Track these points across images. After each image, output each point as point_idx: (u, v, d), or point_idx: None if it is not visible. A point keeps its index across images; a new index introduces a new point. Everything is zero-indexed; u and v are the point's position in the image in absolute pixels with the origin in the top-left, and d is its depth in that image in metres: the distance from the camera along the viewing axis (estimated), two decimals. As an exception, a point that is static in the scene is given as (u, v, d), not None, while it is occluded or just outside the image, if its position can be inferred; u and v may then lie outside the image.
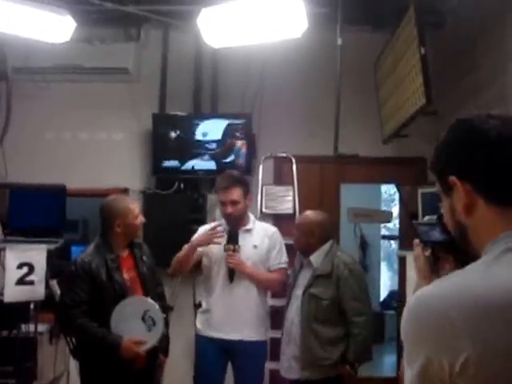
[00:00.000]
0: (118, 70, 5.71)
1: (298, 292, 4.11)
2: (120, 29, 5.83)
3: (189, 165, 5.66)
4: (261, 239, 4.22)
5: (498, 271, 1.13)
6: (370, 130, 5.44)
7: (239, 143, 5.58)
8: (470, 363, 1.06)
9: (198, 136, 5.65)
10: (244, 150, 5.57)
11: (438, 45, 4.77)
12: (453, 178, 1.24)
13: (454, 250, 1.79)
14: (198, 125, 5.65)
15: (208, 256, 4.19)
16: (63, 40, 4.52)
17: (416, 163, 5.35)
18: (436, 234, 1.92)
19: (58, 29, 4.41)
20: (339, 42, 4.58)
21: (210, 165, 5.63)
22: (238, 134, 5.58)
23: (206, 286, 4.24)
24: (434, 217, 2.16)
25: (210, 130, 5.64)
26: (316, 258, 4.08)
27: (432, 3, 4.83)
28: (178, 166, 5.68)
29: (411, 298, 1.18)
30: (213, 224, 4.29)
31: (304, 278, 4.12)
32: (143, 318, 3.61)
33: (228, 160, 5.59)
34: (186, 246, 4.14)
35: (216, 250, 4.16)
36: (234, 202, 4.10)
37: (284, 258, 4.29)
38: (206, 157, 5.62)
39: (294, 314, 4.11)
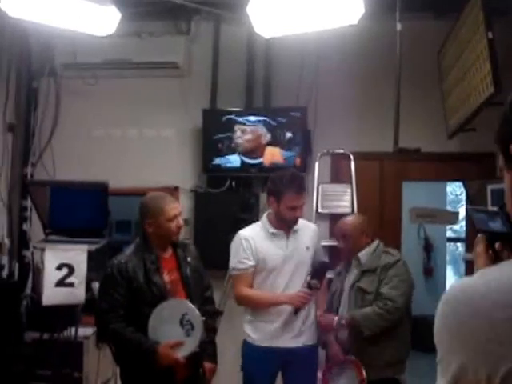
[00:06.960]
0: (168, 65, 5.55)
1: (346, 290, 4.05)
2: (170, 22, 5.66)
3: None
4: (309, 239, 4.00)
5: None
6: (432, 124, 5.12)
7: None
8: None
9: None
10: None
11: (505, 33, 4.42)
12: None
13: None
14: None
15: (265, 263, 3.89)
16: (108, 32, 4.34)
17: (484, 159, 4.97)
18: (496, 224, 1.65)
19: (102, 20, 4.25)
20: (398, 27, 4.25)
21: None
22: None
23: None
24: None
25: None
26: (364, 255, 4.06)
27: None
28: (229, 163, 5.44)
29: (449, 289, 0.92)
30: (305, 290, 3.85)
31: (352, 275, 4.07)
32: (181, 322, 3.36)
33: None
34: (269, 297, 3.87)
35: (274, 256, 3.88)
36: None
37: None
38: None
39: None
